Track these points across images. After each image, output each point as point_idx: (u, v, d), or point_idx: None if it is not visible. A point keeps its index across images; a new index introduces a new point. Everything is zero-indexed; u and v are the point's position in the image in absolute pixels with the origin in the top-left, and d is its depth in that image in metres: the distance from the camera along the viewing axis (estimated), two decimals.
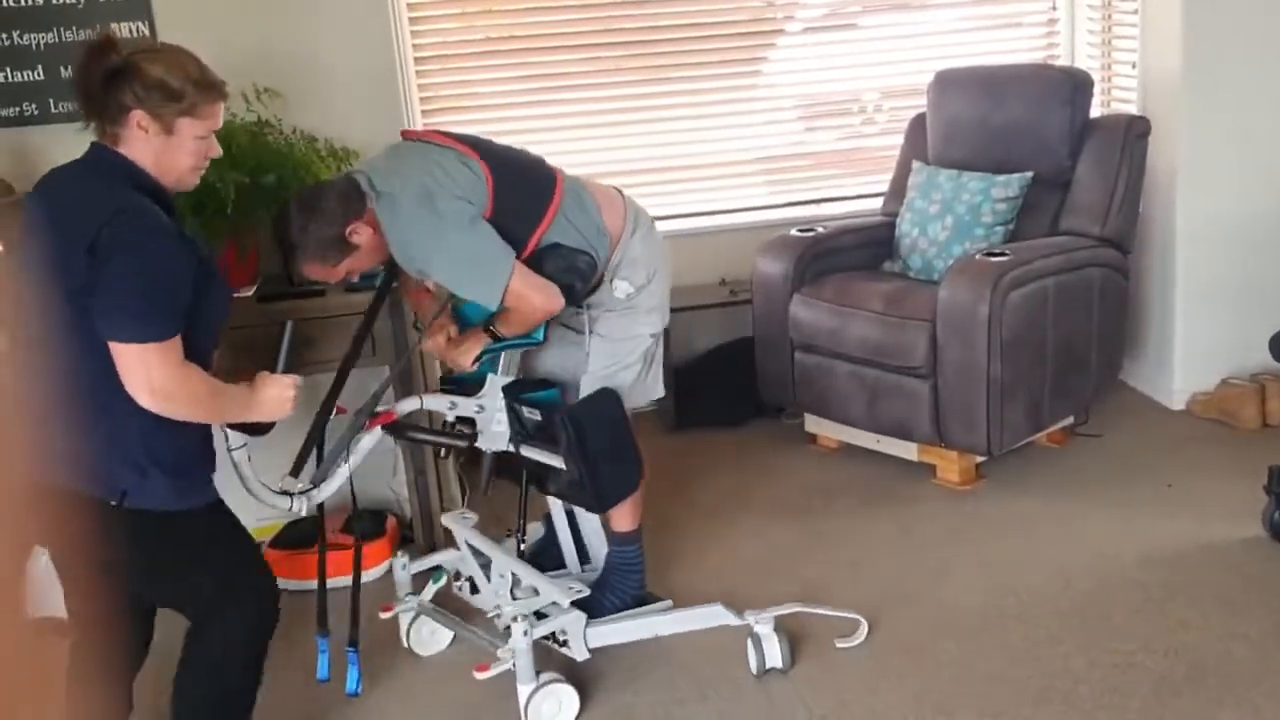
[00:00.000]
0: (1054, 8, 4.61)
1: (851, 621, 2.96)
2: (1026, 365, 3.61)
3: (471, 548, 2.91)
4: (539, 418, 2.71)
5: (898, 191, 4.26)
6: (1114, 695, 2.66)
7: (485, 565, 2.90)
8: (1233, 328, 4.12)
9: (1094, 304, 3.79)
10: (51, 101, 3.40)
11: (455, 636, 2.97)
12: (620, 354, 2.87)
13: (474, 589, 2.96)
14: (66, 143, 3.40)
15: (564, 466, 2.70)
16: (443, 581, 3.00)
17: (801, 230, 4.08)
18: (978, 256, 3.64)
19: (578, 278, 2.71)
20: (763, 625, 2.82)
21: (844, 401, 3.86)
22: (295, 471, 2.56)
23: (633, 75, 4.40)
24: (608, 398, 2.77)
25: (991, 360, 3.51)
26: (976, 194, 3.91)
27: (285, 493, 2.51)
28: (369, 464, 3.63)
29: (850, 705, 2.70)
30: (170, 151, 2.15)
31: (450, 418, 2.80)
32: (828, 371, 3.88)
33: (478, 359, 2.73)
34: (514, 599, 2.80)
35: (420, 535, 3.36)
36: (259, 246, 3.32)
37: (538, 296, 2.64)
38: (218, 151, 2.27)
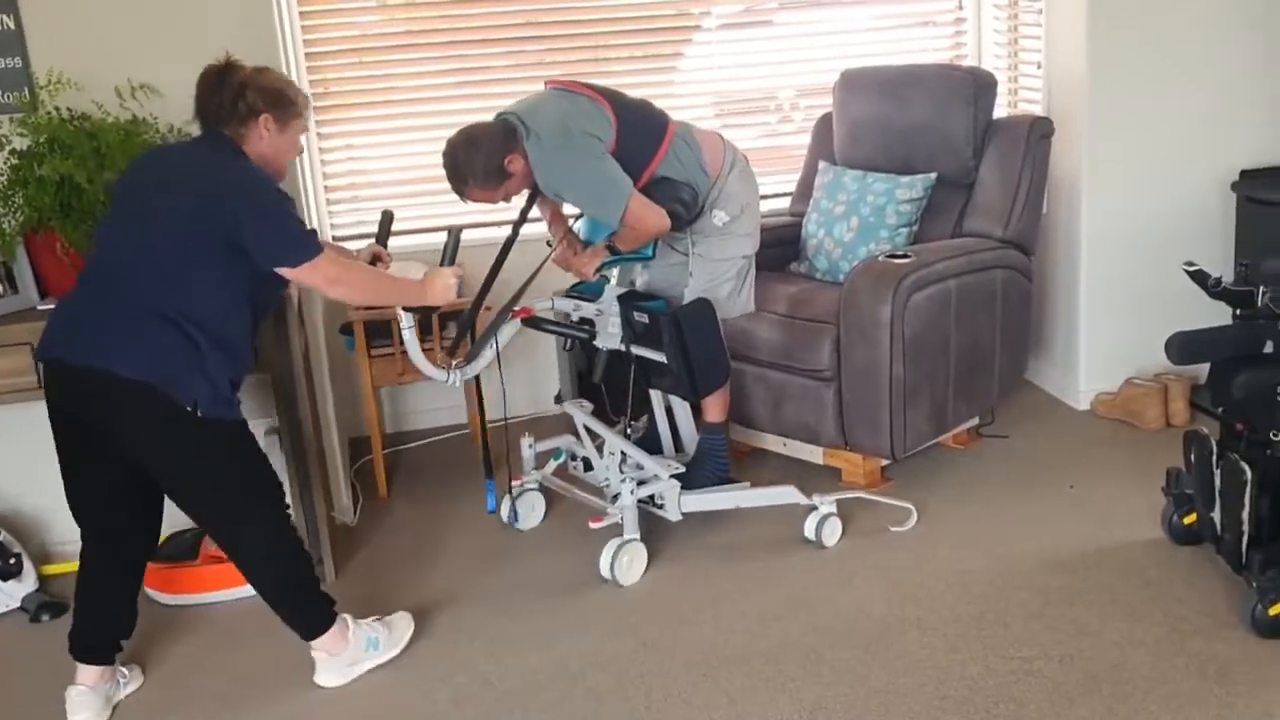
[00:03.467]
0: (960, 7, 4.60)
1: (904, 510, 3.52)
2: (929, 367, 3.58)
3: (589, 431, 3.47)
4: (647, 320, 3.27)
5: (804, 192, 4.22)
6: (1009, 704, 2.63)
7: (599, 446, 3.46)
8: (1137, 328, 4.13)
9: (997, 305, 3.76)
10: None
11: (546, 515, 3.66)
12: (718, 272, 3.52)
13: (587, 467, 3.56)
14: None
15: (666, 360, 3.24)
16: (562, 459, 3.63)
17: None
18: (880, 258, 3.60)
19: (682, 205, 3.30)
20: (827, 506, 3.38)
21: (751, 404, 3.81)
22: (451, 351, 3.28)
23: (552, 70, 4.31)
24: (704, 306, 3.34)
25: (894, 363, 3.47)
26: (881, 195, 3.88)
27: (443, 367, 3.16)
28: None
29: (746, 715, 2.65)
30: (283, 147, 2.73)
31: (575, 318, 3.46)
32: (735, 374, 3.81)
33: (598, 269, 3.35)
34: (621, 472, 3.35)
35: (308, 543, 3.25)
36: None
37: (651, 218, 3.25)
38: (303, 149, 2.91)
